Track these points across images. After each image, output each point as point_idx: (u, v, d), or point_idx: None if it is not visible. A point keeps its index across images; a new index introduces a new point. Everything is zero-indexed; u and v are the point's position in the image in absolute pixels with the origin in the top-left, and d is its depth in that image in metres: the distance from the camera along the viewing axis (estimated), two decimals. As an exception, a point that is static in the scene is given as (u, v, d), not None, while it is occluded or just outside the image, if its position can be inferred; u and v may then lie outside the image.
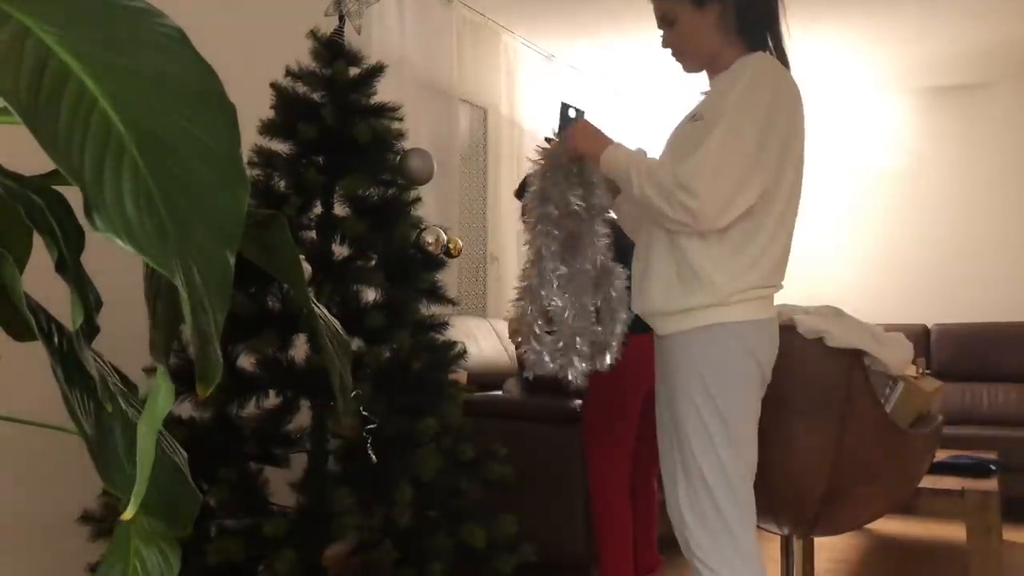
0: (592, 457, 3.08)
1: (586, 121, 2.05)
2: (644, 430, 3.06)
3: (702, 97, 2.03)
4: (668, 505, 1.96)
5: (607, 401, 3.03)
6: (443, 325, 2.28)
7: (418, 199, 2.35)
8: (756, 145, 1.82)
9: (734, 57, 1.98)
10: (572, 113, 2.06)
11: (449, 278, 3.34)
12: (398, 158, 2.30)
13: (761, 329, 1.93)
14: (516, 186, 3.24)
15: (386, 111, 2.31)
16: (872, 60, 5.39)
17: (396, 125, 2.30)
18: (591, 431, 3.09)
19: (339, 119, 2.21)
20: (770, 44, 2.06)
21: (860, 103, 6.08)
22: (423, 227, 2.30)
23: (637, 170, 1.85)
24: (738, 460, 1.83)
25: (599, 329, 1.96)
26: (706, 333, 1.86)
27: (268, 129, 2.27)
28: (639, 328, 2.57)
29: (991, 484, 3.15)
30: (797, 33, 5.34)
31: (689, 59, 2.06)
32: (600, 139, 2.01)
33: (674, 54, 2.08)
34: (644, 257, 1.99)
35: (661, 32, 2.08)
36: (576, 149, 1.99)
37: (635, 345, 2.91)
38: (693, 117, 1.96)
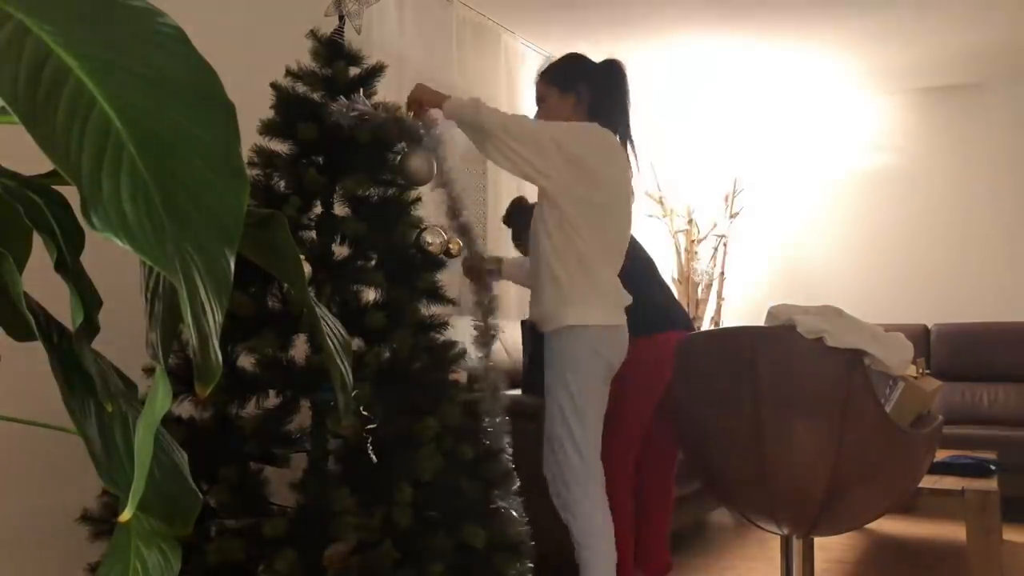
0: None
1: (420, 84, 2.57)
2: (659, 430, 3.06)
3: None
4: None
5: (613, 397, 3.01)
6: (443, 325, 2.28)
7: (418, 199, 2.35)
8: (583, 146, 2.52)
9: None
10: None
11: (449, 278, 3.34)
12: (398, 158, 2.30)
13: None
14: (517, 188, 3.25)
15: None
16: (868, 61, 5.39)
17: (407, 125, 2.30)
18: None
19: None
20: (620, 127, 2.68)
21: (858, 104, 6.08)
22: (423, 227, 2.30)
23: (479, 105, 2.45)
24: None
25: None
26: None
27: (268, 129, 2.27)
28: (651, 330, 2.78)
29: (991, 484, 3.15)
30: (792, 35, 5.38)
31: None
32: (437, 92, 2.53)
33: (539, 116, 2.69)
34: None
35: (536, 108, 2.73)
36: (419, 101, 2.49)
37: (645, 345, 2.94)
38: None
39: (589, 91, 2.64)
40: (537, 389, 3.32)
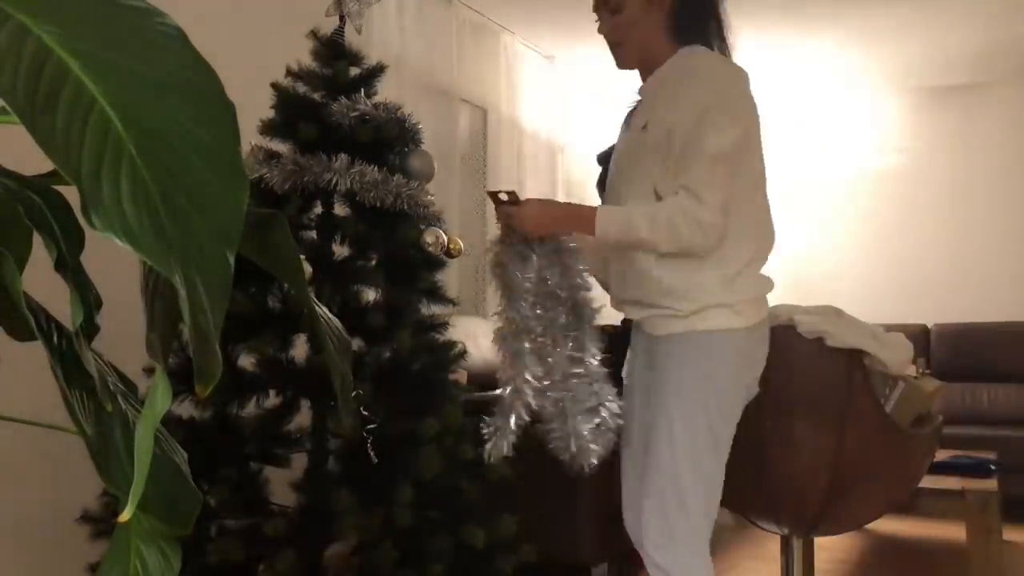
0: None
1: (531, 200, 1.92)
2: None
3: (638, 98, 2.01)
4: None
5: None
6: (443, 325, 2.28)
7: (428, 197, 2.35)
8: (747, 140, 1.83)
9: (668, 54, 1.94)
10: (504, 197, 1.94)
11: (449, 278, 3.34)
12: (398, 159, 2.30)
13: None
14: (516, 187, 3.26)
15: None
16: (869, 61, 5.39)
17: (408, 125, 2.30)
18: None
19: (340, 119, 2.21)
20: (714, 38, 1.99)
21: (858, 103, 6.08)
22: (423, 227, 2.30)
23: (644, 221, 1.79)
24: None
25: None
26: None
27: (268, 129, 2.27)
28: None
29: (991, 484, 3.15)
30: (793, 34, 5.37)
31: (626, 51, 2.01)
32: (564, 209, 1.92)
33: (610, 44, 2.03)
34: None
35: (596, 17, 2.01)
36: (536, 231, 1.89)
37: None
38: (643, 127, 1.92)
39: None
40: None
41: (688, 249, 1.79)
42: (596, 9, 2.06)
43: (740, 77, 1.87)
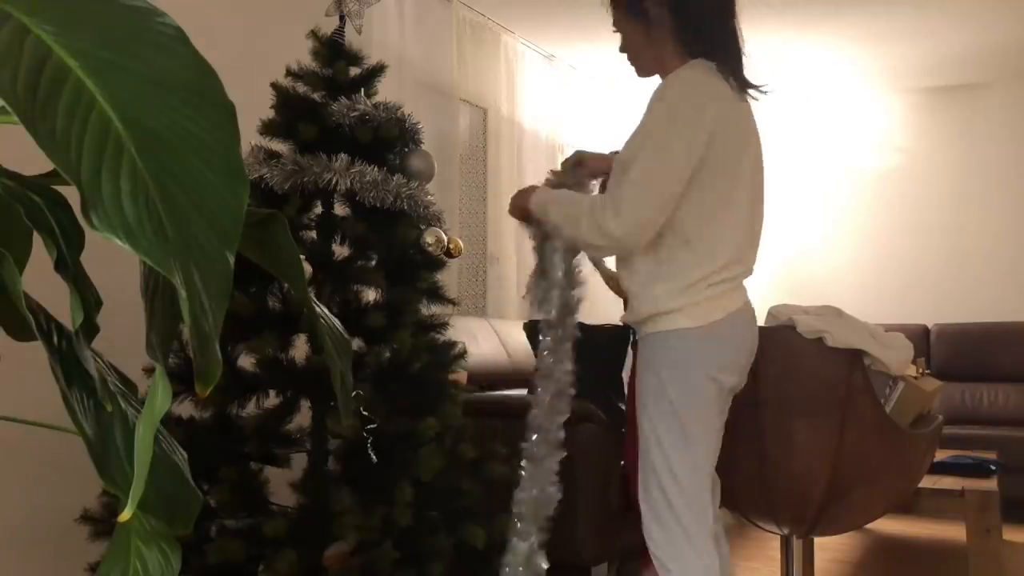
0: (634, 452, 3.13)
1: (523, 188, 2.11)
2: None
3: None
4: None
5: (629, 404, 3.08)
6: (443, 325, 2.28)
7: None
8: (686, 155, 1.83)
9: (679, 63, 1.97)
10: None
11: (449, 278, 3.34)
12: (398, 159, 2.30)
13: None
14: (516, 187, 3.30)
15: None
16: (870, 61, 5.39)
17: (408, 125, 2.30)
18: (635, 427, 3.15)
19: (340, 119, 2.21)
20: (718, 45, 2.01)
21: (858, 104, 6.08)
22: (423, 227, 2.30)
23: (557, 208, 1.94)
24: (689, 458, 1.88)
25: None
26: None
27: (268, 129, 2.27)
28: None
29: (991, 484, 3.15)
30: (793, 34, 5.37)
31: (639, 65, 2.09)
32: (525, 192, 2.06)
33: (629, 59, 2.10)
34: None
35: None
36: (513, 213, 2.08)
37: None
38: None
39: (661, 7, 1.96)
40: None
41: (585, 246, 1.93)
42: (615, 31, 2.10)
43: (698, 98, 1.87)
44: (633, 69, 2.10)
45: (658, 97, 1.88)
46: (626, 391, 3.45)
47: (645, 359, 1.93)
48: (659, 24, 1.97)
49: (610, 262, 2.13)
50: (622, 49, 2.08)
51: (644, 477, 1.91)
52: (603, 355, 3.42)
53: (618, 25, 2.05)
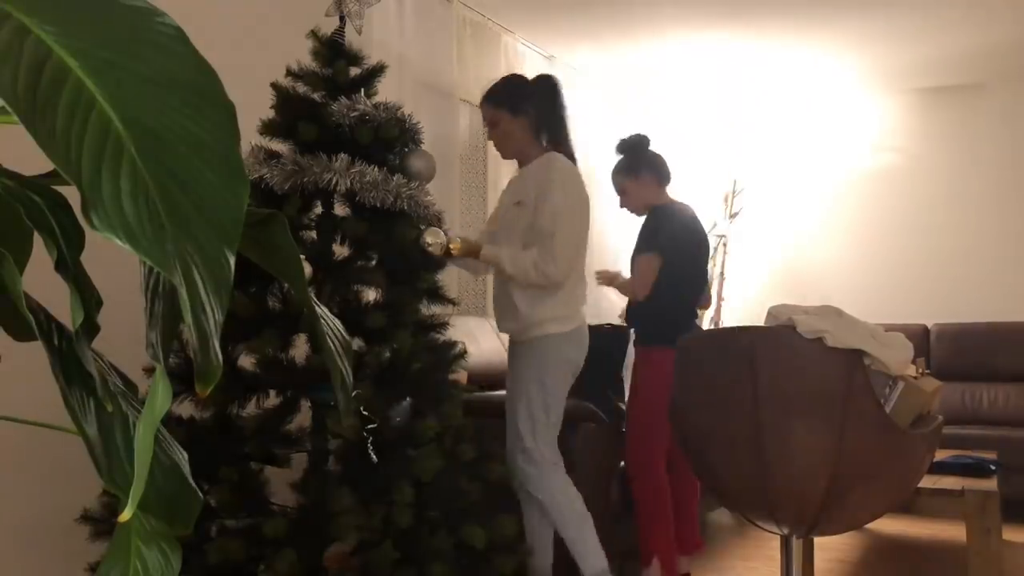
0: (634, 451, 3.30)
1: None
2: None
3: (515, 181, 2.93)
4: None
5: (649, 400, 3.25)
6: (443, 325, 2.28)
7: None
8: (582, 227, 2.82)
9: (537, 154, 2.86)
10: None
11: (449, 278, 3.34)
12: (399, 159, 2.30)
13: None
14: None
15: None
16: (869, 61, 5.39)
17: (408, 125, 2.30)
18: (635, 427, 3.31)
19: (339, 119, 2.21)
20: (564, 142, 2.90)
21: (858, 104, 6.08)
22: (423, 227, 2.30)
23: (509, 261, 2.74)
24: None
25: None
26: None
27: (268, 129, 2.27)
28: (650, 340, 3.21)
29: (991, 484, 3.15)
30: (792, 35, 5.37)
31: (507, 149, 2.92)
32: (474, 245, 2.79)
33: (497, 145, 2.95)
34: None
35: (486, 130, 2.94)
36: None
37: (654, 357, 3.13)
38: (517, 203, 2.83)
39: (535, 110, 2.87)
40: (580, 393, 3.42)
41: (531, 285, 2.75)
42: (485, 124, 2.95)
43: (580, 182, 2.84)
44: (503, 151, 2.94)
45: (559, 185, 2.74)
46: (627, 391, 3.46)
47: (532, 354, 2.78)
48: (530, 121, 2.86)
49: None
50: (491, 137, 2.93)
51: (520, 428, 2.75)
52: (603, 354, 3.43)
53: (494, 119, 2.87)
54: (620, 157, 3.51)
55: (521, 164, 2.91)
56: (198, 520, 0.94)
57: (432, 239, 2.27)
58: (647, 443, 3.25)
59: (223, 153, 0.73)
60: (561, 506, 2.75)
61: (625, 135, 3.60)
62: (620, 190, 3.45)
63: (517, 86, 2.95)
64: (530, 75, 3.16)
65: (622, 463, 3.40)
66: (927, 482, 3.11)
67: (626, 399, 3.46)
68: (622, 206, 3.48)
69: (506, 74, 3.12)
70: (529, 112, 2.85)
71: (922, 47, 5.15)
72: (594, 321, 3.46)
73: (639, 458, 3.26)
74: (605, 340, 3.52)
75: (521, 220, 2.79)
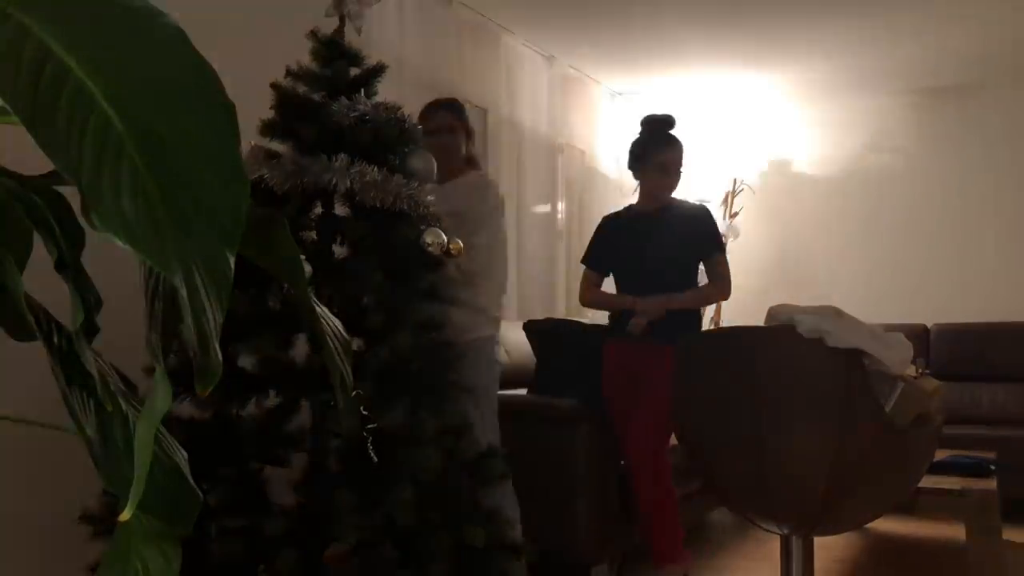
0: (644, 448, 3.17)
1: None
2: None
3: (446, 190, 2.94)
4: None
5: (655, 405, 3.12)
6: (443, 325, 2.28)
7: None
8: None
9: (467, 169, 3.13)
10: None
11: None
12: (398, 159, 2.30)
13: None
14: (517, 187, 3.48)
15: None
16: (868, 61, 5.39)
17: (408, 125, 2.30)
18: (650, 424, 3.18)
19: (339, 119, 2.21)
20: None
21: (857, 104, 6.08)
22: (423, 227, 2.29)
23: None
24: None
25: None
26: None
27: (268, 129, 2.27)
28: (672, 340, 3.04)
29: (991, 484, 3.15)
30: (792, 34, 5.37)
31: (452, 163, 3.04)
32: None
33: (440, 150, 2.89)
34: None
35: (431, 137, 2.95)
36: None
37: (671, 355, 3.07)
38: (451, 212, 2.77)
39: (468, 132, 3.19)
40: (549, 390, 3.37)
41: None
42: (444, 131, 3.10)
43: (497, 193, 3.15)
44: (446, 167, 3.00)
45: (493, 205, 3.06)
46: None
47: (479, 354, 2.92)
48: (468, 140, 3.16)
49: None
50: (441, 141, 3.00)
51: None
52: (602, 354, 3.43)
53: (455, 126, 3.10)
54: (674, 134, 3.54)
55: (449, 179, 3.01)
56: (198, 520, 0.94)
57: (432, 239, 2.27)
58: (662, 441, 3.17)
59: (223, 153, 0.73)
60: None
61: (631, 133, 3.61)
62: (449, 128, 3.16)
63: (462, 105, 3.28)
64: (530, 75, 3.26)
65: (622, 462, 3.39)
66: (927, 482, 3.11)
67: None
68: (671, 190, 3.51)
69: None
70: (471, 133, 3.19)
71: (921, 48, 5.15)
72: (592, 321, 3.46)
73: (651, 455, 3.17)
74: (600, 340, 3.52)
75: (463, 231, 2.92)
